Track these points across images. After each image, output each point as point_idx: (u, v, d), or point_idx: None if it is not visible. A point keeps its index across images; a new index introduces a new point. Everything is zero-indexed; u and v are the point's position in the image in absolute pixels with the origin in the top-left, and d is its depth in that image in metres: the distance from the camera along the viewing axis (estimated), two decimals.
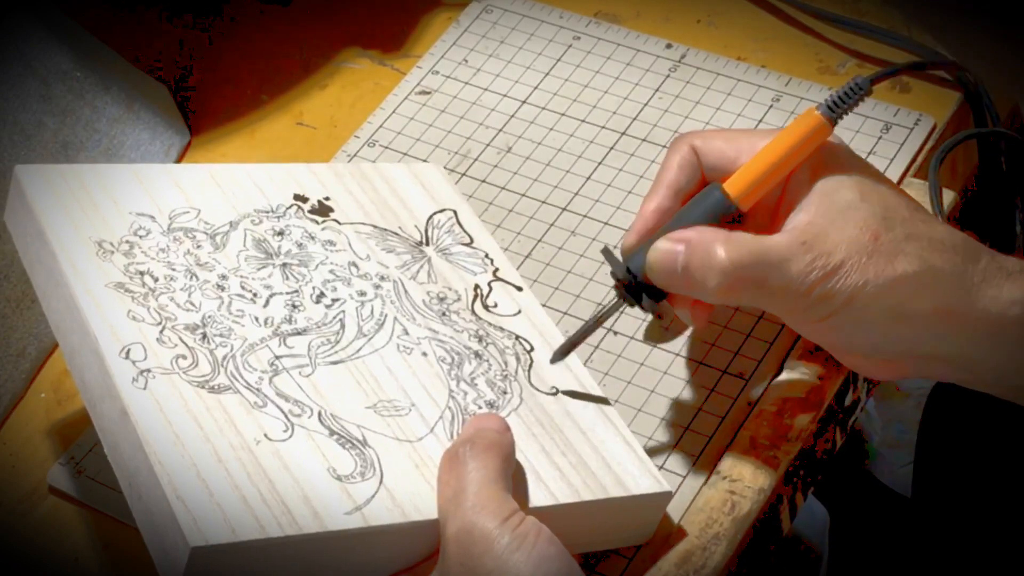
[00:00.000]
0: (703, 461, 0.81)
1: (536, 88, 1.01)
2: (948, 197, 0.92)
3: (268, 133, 1.01)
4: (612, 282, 0.79)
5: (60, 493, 0.84)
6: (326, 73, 1.05)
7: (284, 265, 0.82)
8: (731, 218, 0.76)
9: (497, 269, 0.86)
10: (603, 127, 0.98)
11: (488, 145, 0.98)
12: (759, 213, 0.77)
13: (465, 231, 0.88)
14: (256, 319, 0.78)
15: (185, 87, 1.05)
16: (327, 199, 0.86)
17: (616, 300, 0.79)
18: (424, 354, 0.79)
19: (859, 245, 0.73)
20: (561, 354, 0.80)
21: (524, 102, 1.00)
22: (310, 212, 0.85)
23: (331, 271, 0.82)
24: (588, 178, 0.96)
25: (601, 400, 0.80)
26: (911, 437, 1.37)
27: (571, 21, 1.05)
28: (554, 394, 0.79)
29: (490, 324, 0.82)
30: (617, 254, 0.79)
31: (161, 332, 0.76)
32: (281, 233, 0.83)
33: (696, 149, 0.78)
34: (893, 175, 0.93)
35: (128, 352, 0.74)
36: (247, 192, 0.85)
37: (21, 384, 0.89)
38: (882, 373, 0.78)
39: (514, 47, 1.04)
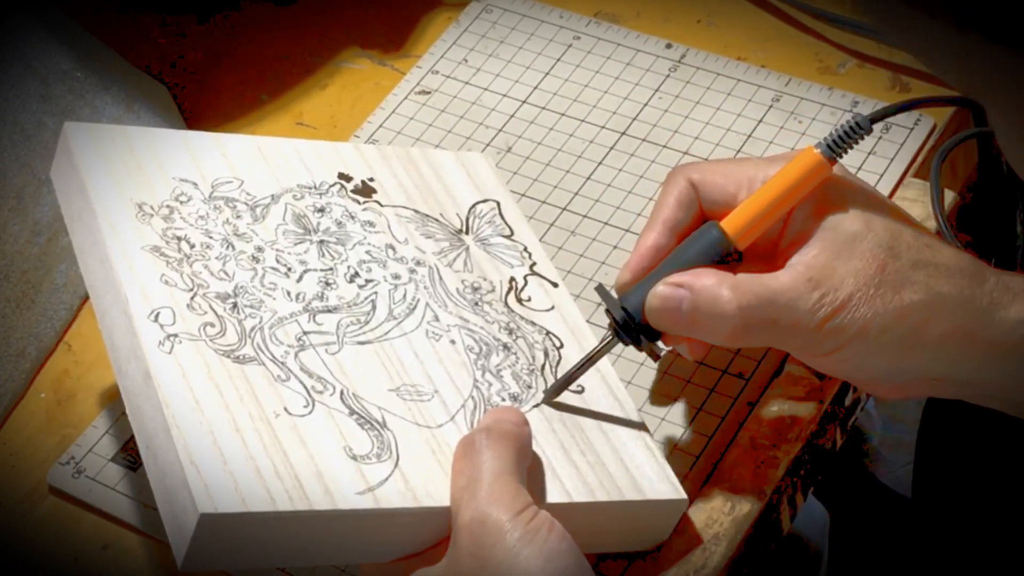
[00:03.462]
0: (703, 461, 0.81)
1: (536, 88, 1.01)
2: (948, 197, 0.92)
3: (268, 133, 1.01)
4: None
5: (60, 493, 0.84)
6: (326, 73, 1.05)
7: (321, 242, 0.81)
8: (729, 257, 0.76)
9: (535, 263, 0.85)
10: (603, 127, 0.98)
11: (488, 145, 0.98)
12: (760, 248, 0.77)
13: (506, 223, 0.87)
14: (288, 293, 0.78)
15: (185, 87, 1.05)
16: (371, 180, 0.86)
17: (611, 338, 0.77)
18: (452, 342, 0.79)
19: (866, 277, 0.73)
20: (553, 393, 0.78)
21: (524, 102, 1.00)
22: (353, 192, 0.85)
23: (367, 252, 0.82)
24: (588, 178, 0.96)
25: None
26: (911, 437, 1.37)
27: (571, 21, 1.05)
28: (580, 392, 0.79)
29: (522, 318, 0.82)
30: (612, 292, 0.78)
31: (192, 298, 0.76)
32: (322, 210, 0.83)
33: (694, 183, 0.77)
34: (893, 175, 0.93)
35: (157, 315, 0.74)
36: (292, 167, 0.85)
37: (21, 384, 0.89)
38: (894, 395, 0.77)
39: (514, 47, 1.04)
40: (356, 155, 0.87)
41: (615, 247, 0.91)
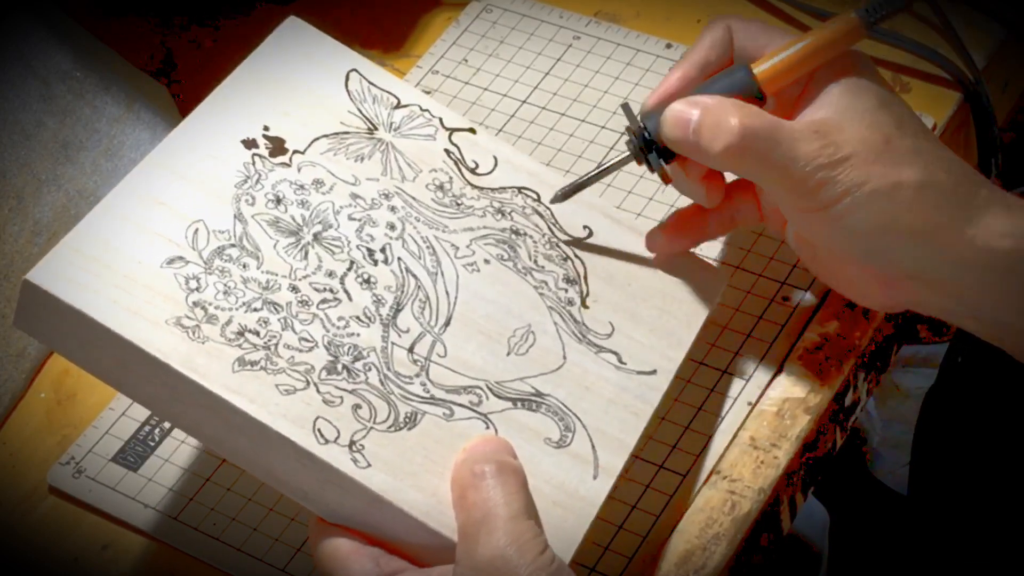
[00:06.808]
0: (703, 461, 0.81)
1: (536, 88, 1.01)
2: None
3: None
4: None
5: (60, 493, 0.84)
6: None
7: (315, 237, 0.71)
8: (752, 100, 0.77)
9: (442, 119, 0.76)
10: (603, 127, 0.98)
11: None
12: (777, 110, 0.78)
13: (383, 90, 0.76)
14: (358, 319, 0.69)
15: (185, 87, 1.05)
16: (267, 129, 0.74)
17: (626, 154, 0.79)
18: (487, 261, 0.72)
19: (869, 144, 0.74)
20: (563, 196, 0.78)
21: (524, 102, 1.00)
22: (271, 156, 0.73)
23: (350, 217, 0.72)
24: None
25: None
26: (910, 437, 1.37)
27: (571, 21, 1.05)
28: (587, 236, 0.76)
29: (491, 190, 0.74)
30: (636, 111, 0.79)
31: (317, 390, 0.67)
32: (278, 200, 0.72)
33: (731, 29, 0.79)
34: None
35: (321, 434, 0.66)
36: (203, 167, 0.72)
37: (21, 384, 0.89)
38: (870, 292, 0.78)
39: (514, 47, 1.04)
40: (224, 109, 0.75)
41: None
